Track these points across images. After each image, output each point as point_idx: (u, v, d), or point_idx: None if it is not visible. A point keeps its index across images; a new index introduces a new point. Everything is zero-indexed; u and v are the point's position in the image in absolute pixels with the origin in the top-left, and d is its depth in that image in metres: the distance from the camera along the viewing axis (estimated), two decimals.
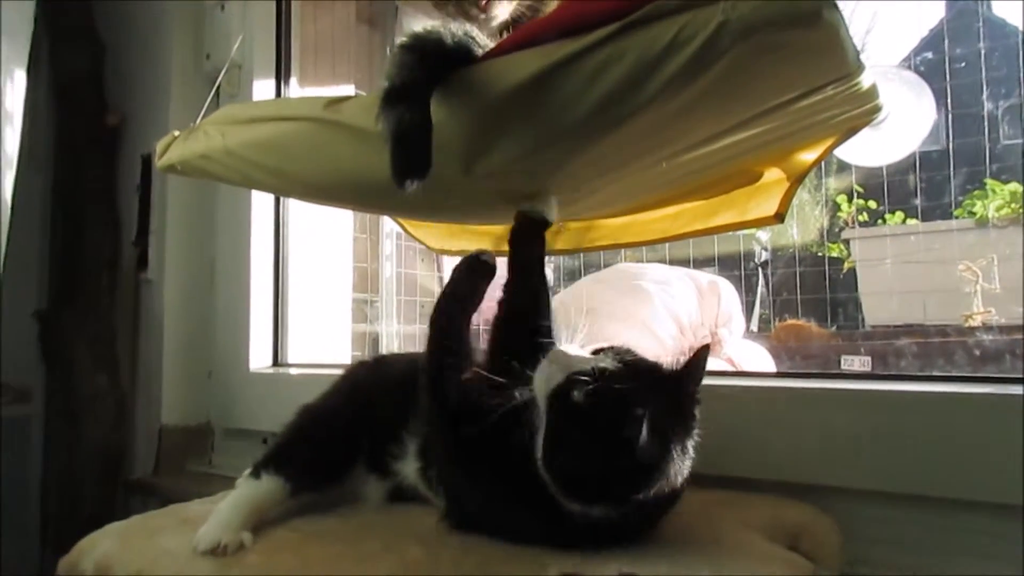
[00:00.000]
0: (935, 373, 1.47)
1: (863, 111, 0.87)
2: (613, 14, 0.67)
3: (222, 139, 0.97)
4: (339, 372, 1.08)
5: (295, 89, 1.80)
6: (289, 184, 0.99)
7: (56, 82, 1.94)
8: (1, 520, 1.78)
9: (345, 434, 0.96)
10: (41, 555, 1.84)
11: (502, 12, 0.97)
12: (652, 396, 0.70)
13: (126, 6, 1.93)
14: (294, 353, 1.77)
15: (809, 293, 3.20)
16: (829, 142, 0.96)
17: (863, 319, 3.08)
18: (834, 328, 3.09)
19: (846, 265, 3.32)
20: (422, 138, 0.71)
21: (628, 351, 0.78)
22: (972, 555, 0.88)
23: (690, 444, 0.74)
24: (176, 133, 1.06)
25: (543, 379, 0.73)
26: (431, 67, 0.74)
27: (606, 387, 0.70)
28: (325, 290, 1.86)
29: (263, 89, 1.75)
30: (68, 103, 1.93)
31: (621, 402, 0.68)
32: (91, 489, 1.79)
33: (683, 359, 0.77)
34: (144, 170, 1.86)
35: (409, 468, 0.92)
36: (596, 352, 0.78)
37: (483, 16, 0.96)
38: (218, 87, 1.56)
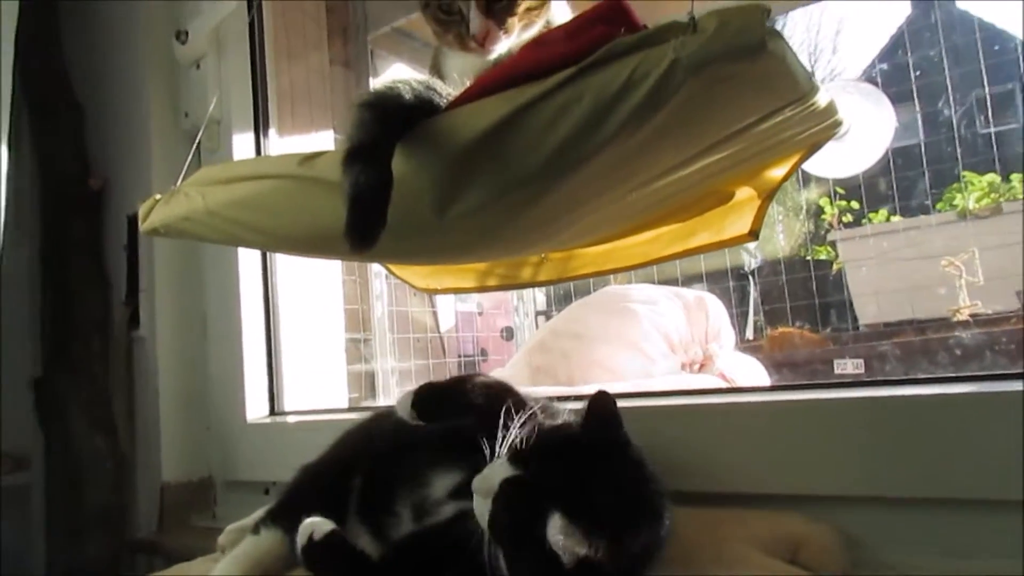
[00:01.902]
0: (924, 375, 1.48)
1: (824, 127, 0.89)
2: (569, 58, 0.70)
3: (203, 200, 0.99)
4: (335, 418, 1.09)
5: (274, 139, 1.82)
6: (271, 240, 1.00)
7: (38, 149, 1.96)
8: None
9: (340, 487, 0.96)
10: None
11: (500, 49, 0.99)
12: (568, 475, 0.68)
13: (103, 71, 1.96)
14: (291, 399, 1.77)
15: (800, 299, 3.23)
16: (795, 158, 0.99)
17: (854, 319, 3.10)
18: (827, 331, 3.11)
19: (835, 266, 3.35)
20: (377, 199, 0.72)
21: (544, 423, 0.75)
22: (978, 554, 0.88)
23: (645, 488, 0.72)
24: (158, 196, 1.08)
25: (480, 514, 0.70)
26: (391, 124, 0.76)
27: (516, 498, 0.68)
28: (317, 334, 1.87)
29: (242, 142, 1.77)
30: (51, 169, 1.95)
31: (534, 507, 0.65)
32: (96, 552, 1.77)
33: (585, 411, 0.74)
34: (130, 230, 1.87)
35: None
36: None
37: (480, 50, 0.98)
38: (198, 144, 1.58)
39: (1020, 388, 0.87)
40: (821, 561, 0.87)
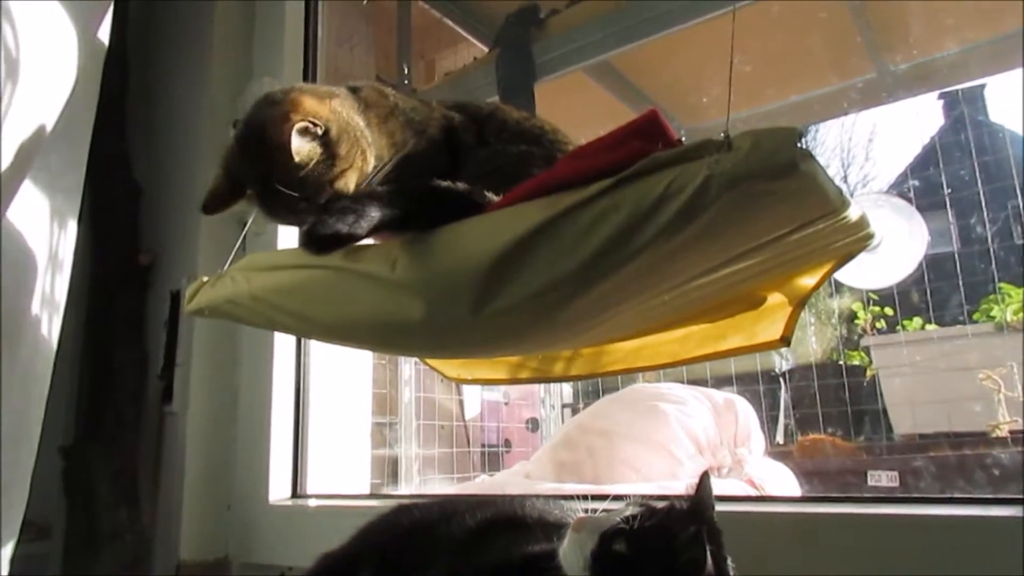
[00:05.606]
0: (959, 495, 1.44)
1: (855, 239, 0.91)
2: (607, 170, 0.74)
3: (247, 285, 1.03)
4: (355, 504, 1.08)
5: None
6: (310, 327, 1.03)
7: (93, 225, 2.04)
8: None
9: None
10: None
11: None
12: (687, 526, 0.70)
13: (163, 154, 2.06)
14: (314, 481, 1.76)
15: (832, 405, 3.16)
16: (827, 268, 0.99)
17: (888, 428, 3.02)
18: (860, 439, 3.03)
19: (868, 372, 3.29)
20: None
21: (640, 499, 0.77)
22: None
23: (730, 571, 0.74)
24: (205, 279, 1.12)
25: (576, 549, 0.70)
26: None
27: (645, 526, 0.69)
28: (345, 417, 1.88)
29: (286, 227, 1.84)
30: (103, 244, 2.03)
31: (666, 534, 0.68)
32: None
33: (690, 490, 0.77)
34: (173, 306, 1.92)
35: None
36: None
37: None
38: (245, 232, 1.64)
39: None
40: None
